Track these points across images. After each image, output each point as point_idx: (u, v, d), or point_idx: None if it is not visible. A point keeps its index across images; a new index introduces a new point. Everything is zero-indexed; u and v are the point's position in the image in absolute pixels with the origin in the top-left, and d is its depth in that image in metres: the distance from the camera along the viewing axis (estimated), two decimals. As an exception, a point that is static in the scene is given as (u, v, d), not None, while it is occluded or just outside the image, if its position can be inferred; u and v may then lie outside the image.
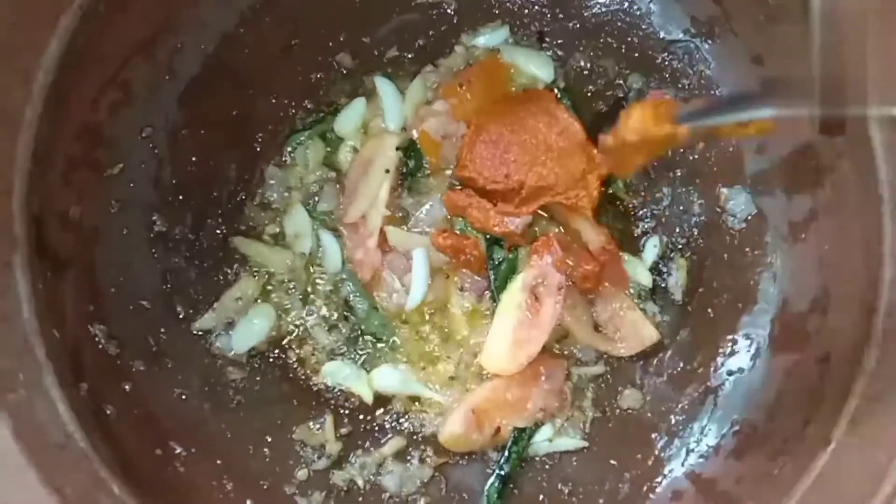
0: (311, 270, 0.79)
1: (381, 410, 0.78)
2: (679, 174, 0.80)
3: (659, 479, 0.75)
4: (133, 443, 0.65)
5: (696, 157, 0.80)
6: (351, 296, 0.79)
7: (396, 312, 0.79)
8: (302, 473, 0.74)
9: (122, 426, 0.65)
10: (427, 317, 0.79)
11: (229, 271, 0.78)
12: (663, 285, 0.79)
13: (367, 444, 0.77)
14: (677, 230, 0.80)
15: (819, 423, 0.65)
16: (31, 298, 0.59)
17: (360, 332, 0.79)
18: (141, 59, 0.70)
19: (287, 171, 0.80)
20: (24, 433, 0.52)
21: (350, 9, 0.80)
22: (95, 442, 0.59)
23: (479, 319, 0.79)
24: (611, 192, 0.80)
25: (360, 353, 0.78)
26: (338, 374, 0.77)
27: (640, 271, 0.79)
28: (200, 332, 0.75)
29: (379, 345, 0.79)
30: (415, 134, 0.80)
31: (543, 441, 0.77)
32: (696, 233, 0.80)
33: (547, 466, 0.77)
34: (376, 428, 0.77)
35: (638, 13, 0.81)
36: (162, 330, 0.73)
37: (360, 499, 0.75)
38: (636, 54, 0.81)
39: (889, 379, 0.61)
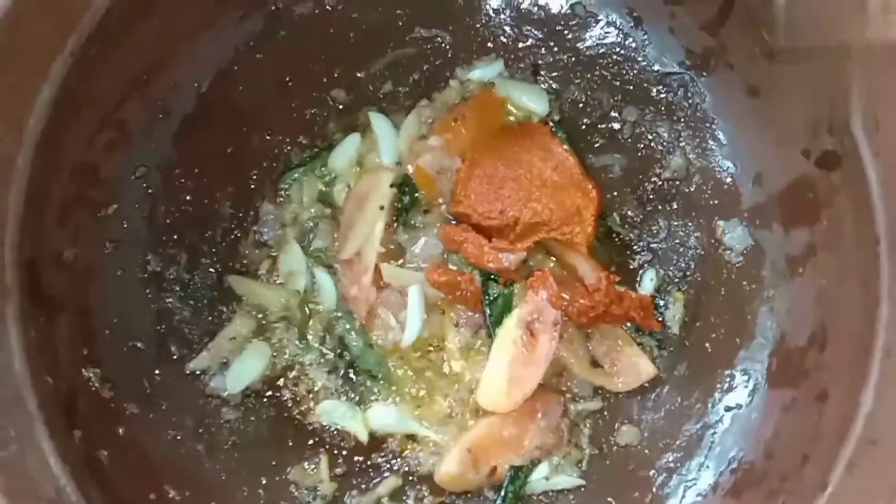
0: (307, 308, 0.79)
1: (377, 450, 0.77)
2: (675, 207, 0.80)
3: (657, 518, 0.74)
4: (127, 489, 0.65)
5: (693, 189, 0.80)
6: (346, 333, 0.79)
7: (392, 349, 0.78)
8: (294, 514, 0.74)
9: (116, 472, 0.65)
10: (423, 353, 0.78)
11: (224, 310, 0.77)
12: (660, 319, 0.79)
13: (363, 484, 0.76)
14: (674, 263, 0.80)
15: (817, 461, 0.64)
16: (22, 349, 0.58)
17: (355, 370, 0.78)
18: (135, 97, 0.70)
19: (282, 207, 0.80)
20: (13, 490, 0.52)
21: (344, 44, 0.79)
22: (88, 492, 0.58)
23: (475, 355, 0.78)
24: (607, 225, 0.80)
25: (356, 391, 0.78)
26: (333, 412, 0.77)
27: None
28: (195, 373, 0.75)
29: (374, 382, 0.78)
30: (410, 169, 0.80)
31: (540, 479, 0.76)
32: (693, 266, 0.79)
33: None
34: (371, 468, 0.77)
35: (633, 46, 0.81)
36: (156, 371, 0.73)
37: (356, 539, 0.75)
38: (631, 87, 0.81)
39: (887, 421, 0.61)
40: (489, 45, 0.82)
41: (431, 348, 0.79)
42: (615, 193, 0.81)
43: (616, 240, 0.81)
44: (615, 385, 0.78)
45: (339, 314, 0.79)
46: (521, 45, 0.82)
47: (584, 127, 0.82)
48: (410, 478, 0.76)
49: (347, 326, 0.79)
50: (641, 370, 0.77)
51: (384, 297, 0.78)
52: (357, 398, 0.78)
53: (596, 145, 0.81)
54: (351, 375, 0.78)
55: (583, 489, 0.76)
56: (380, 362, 0.78)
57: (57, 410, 0.61)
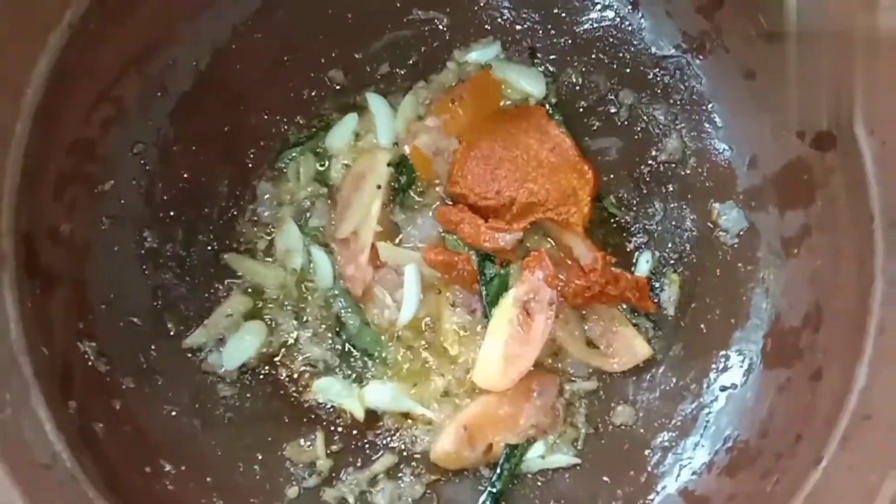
0: (303, 286, 0.79)
1: (373, 427, 0.77)
2: (671, 189, 0.81)
3: (651, 497, 0.74)
4: (122, 461, 0.65)
5: (689, 172, 0.80)
6: (342, 311, 0.79)
7: (388, 328, 0.78)
8: (292, 491, 0.74)
9: (111, 444, 0.64)
10: (419, 333, 0.79)
11: (220, 287, 0.77)
12: (656, 300, 0.79)
13: (358, 461, 0.76)
14: (670, 245, 0.80)
15: (811, 440, 0.64)
16: (19, 317, 0.58)
17: (351, 348, 0.78)
18: (133, 74, 0.70)
19: (279, 186, 0.80)
20: (9, 454, 0.52)
21: (342, 25, 0.80)
22: (83, 461, 0.58)
23: (471, 335, 0.78)
24: (604, 207, 0.80)
25: (352, 368, 0.78)
26: (329, 389, 0.77)
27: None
28: (191, 349, 0.75)
29: (370, 360, 0.78)
30: (406, 149, 0.80)
31: (536, 458, 0.76)
32: (688, 248, 0.80)
33: (539, 483, 0.77)
34: (367, 445, 0.77)
35: (629, 29, 0.81)
36: (152, 346, 0.73)
37: (351, 516, 0.75)
38: (628, 70, 0.81)
39: (880, 397, 0.61)
40: (486, 27, 0.82)
41: (427, 328, 0.78)
42: (611, 176, 0.81)
43: (612, 222, 0.81)
44: (611, 365, 0.78)
45: (336, 292, 0.79)
46: (518, 27, 0.82)
47: (581, 110, 0.82)
48: (406, 455, 0.77)
49: (344, 304, 0.79)
50: (637, 351, 0.78)
51: (381, 276, 0.78)
52: (353, 376, 0.78)
53: (593, 128, 0.82)
54: (347, 353, 0.78)
55: (578, 468, 0.77)
56: (376, 341, 0.78)
57: (52, 381, 0.60)
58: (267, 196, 0.80)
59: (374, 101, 0.81)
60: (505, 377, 0.75)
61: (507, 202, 0.77)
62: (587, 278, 0.76)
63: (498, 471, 0.76)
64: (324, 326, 0.78)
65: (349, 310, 0.79)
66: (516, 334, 0.75)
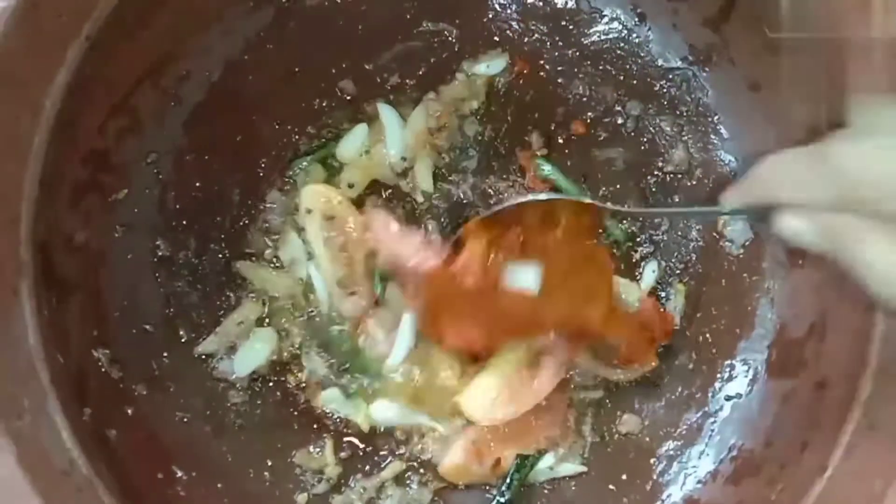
0: (310, 296, 0.80)
1: (382, 436, 0.78)
2: (677, 200, 0.81)
3: (657, 504, 0.75)
4: (135, 467, 0.66)
5: (695, 182, 0.81)
6: (336, 331, 0.79)
7: (379, 360, 0.78)
8: (302, 497, 0.74)
9: (125, 450, 0.65)
10: (408, 378, 0.78)
11: (232, 295, 0.78)
12: (661, 310, 0.80)
13: (367, 467, 0.77)
14: (675, 255, 0.81)
15: (816, 449, 0.65)
16: (36, 324, 0.59)
17: (347, 367, 0.79)
18: (148, 86, 0.71)
19: (288, 195, 0.81)
20: (28, 460, 0.53)
21: (352, 36, 0.81)
22: (98, 468, 0.59)
23: (470, 376, 0.77)
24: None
25: (355, 382, 0.78)
26: (335, 401, 0.77)
27: (632, 295, 0.79)
28: (202, 356, 0.76)
29: (369, 380, 0.78)
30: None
31: (544, 468, 0.77)
32: (694, 258, 0.80)
33: (546, 491, 0.78)
34: (376, 453, 0.78)
35: (637, 41, 0.82)
36: (164, 354, 0.74)
37: (360, 522, 0.76)
38: (635, 81, 0.82)
39: (885, 406, 0.62)
40: (495, 38, 0.83)
41: (418, 374, 0.78)
42: (618, 186, 0.82)
43: (619, 231, 0.81)
44: (617, 375, 0.79)
45: (333, 313, 0.79)
46: (526, 39, 0.83)
47: (588, 121, 0.83)
48: (415, 462, 0.77)
49: (339, 326, 0.79)
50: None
51: (378, 312, 0.78)
52: (355, 390, 0.78)
53: (600, 139, 0.82)
54: (344, 370, 0.79)
55: (585, 476, 0.77)
56: (368, 365, 0.78)
57: (68, 388, 0.61)
58: (276, 205, 0.81)
59: (385, 112, 0.81)
60: (490, 412, 0.74)
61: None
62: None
63: (508, 480, 0.76)
64: (319, 341, 0.79)
65: (343, 332, 0.79)
66: (519, 376, 0.75)
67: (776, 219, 0.51)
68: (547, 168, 0.81)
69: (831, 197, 0.46)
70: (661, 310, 0.79)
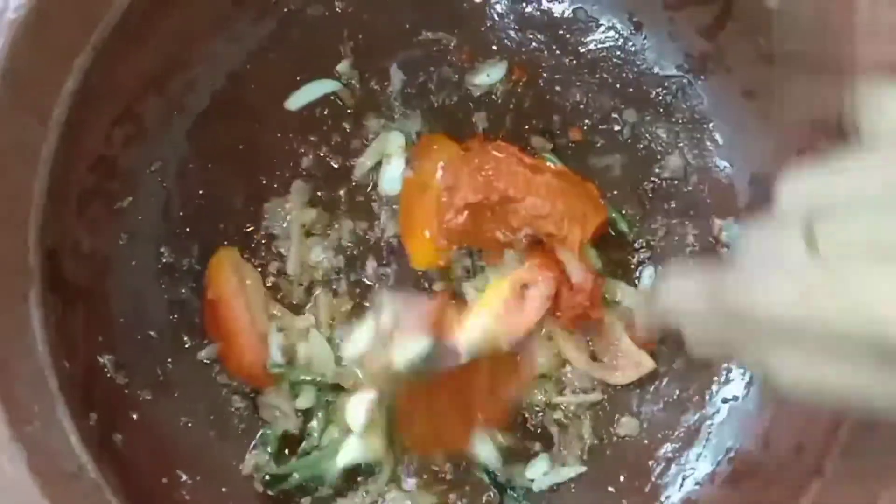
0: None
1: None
2: (674, 206, 0.82)
3: (656, 506, 0.76)
4: (141, 471, 0.66)
5: (690, 188, 0.82)
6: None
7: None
8: (305, 501, 0.75)
9: (131, 455, 0.66)
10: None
11: (235, 301, 0.79)
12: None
13: (370, 471, 0.77)
14: (672, 260, 0.82)
15: (812, 450, 0.66)
16: (44, 331, 0.60)
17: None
18: (152, 94, 0.72)
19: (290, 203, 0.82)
20: (38, 464, 0.53)
21: (354, 46, 0.82)
22: (105, 472, 0.60)
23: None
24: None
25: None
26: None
27: (628, 298, 0.80)
28: (206, 362, 0.77)
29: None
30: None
31: (543, 475, 0.78)
32: (691, 263, 0.81)
33: (545, 494, 0.78)
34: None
35: (633, 50, 0.83)
36: (169, 360, 0.74)
37: (363, 525, 0.76)
38: (631, 89, 0.83)
39: (880, 408, 0.63)
40: (493, 47, 0.84)
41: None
42: (615, 192, 0.83)
43: (614, 236, 0.82)
44: (614, 378, 0.80)
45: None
46: (524, 48, 0.84)
47: (585, 128, 0.84)
48: (417, 465, 0.78)
49: None
50: (640, 364, 0.79)
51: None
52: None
53: (597, 146, 0.84)
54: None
55: (583, 478, 0.78)
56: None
57: (75, 393, 0.62)
58: (275, 215, 0.81)
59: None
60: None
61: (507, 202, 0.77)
62: (573, 298, 0.77)
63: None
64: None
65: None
66: (508, 309, 0.75)
67: (683, 335, 0.49)
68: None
69: (733, 329, 0.43)
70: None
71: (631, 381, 0.79)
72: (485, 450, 0.77)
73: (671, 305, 0.48)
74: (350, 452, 0.74)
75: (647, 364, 0.79)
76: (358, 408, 0.73)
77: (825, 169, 0.43)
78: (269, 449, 0.75)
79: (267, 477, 0.74)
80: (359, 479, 0.77)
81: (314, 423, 0.76)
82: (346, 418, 0.74)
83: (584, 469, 0.78)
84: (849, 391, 0.39)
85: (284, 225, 0.81)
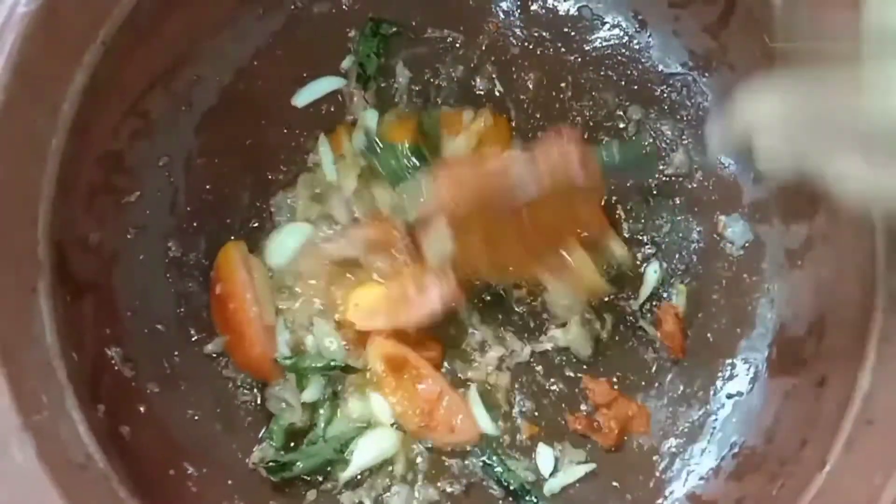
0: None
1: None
2: (678, 202, 0.83)
3: (660, 501, 0.76)
4: (148, 463, 0.67)
5: (695, 185, 0.83)
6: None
7: None
8: (311, 493, 0.75)
9: (138, 446, 0.67)
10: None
11: (241, 295, 0.79)
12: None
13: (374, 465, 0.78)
14: (677, 256, 0.82)
15: (815, 445, 0.66)
16: (53, 323, 0.61)
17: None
18: (160, 90, 0.73)
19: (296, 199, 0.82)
20: (47, 453, 0.54)
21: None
22: (113, 462, 0.60)
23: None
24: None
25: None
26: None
27: (617, 248, 0.80)
28: (213, 355, 0.77)
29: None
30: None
31: (551, 474, 0.78)
32: (695, 259, 0.82)
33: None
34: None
35: (637, 47, 0.84)
36: (176, 353, 0.75)
37: (368, 519, 0.77)
38: (636, 87, 0.84)
39: (882, 402, 0.63)
40: (500, 44, 0.85)
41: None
42: (620, 189, 0.83)
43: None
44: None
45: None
46: (530, 46, 0.85)
47: (590, 125, 0.84)
48: (421, 460, 0.78)
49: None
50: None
51: None
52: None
53: (602, 142, 0.84)
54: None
55: (588, 473, 0.78)
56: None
57: (83, 385, 0.62)
58: (283, 208, 0.82)
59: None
60: (368, 318, 0.75)
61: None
62: None
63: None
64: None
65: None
66: (402, 292, 0.75)
67: (755, 148, 0.53)
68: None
69: (802, 120, 0.48)
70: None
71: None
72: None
73: (751, 117, 0.52)
74: (364, 455, 0.75)
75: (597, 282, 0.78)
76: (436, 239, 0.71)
77: None
78: (273, 442, 0.75)
79: (271, 463, 0.74)
80: (363, 473, 0.77)
81: (320, 413, 0.76)
82: (360, 412, 0.76)
83: (593, 465, 0.78)
84: None
85: (288, 216, 0.81)
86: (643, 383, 0.80)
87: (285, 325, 0.78)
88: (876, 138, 0.43)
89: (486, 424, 0.78)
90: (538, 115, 0.84)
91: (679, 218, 0.82)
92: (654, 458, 0.78)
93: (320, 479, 0.76)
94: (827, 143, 0.46)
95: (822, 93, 0.47)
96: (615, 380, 0.80)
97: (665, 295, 0.82)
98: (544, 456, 0.78)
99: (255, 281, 0.77)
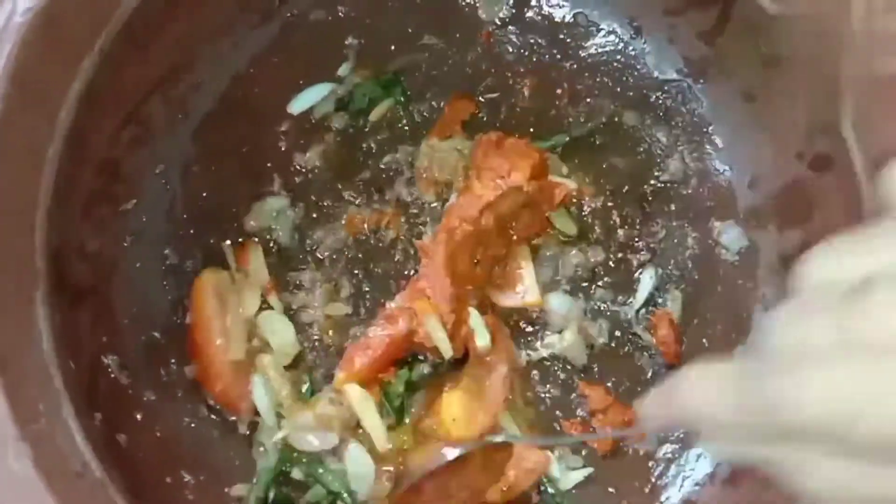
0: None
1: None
2: (673, 208, 0.83)
3: (656, 507, 0.76)
4: (145, 471, 0.67)
5: (690, 191, 0.83)
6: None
7: None
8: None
9: (134, 454, 0.66)
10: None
11: (238, 302, 0.79)
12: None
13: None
14: (672, 263, 0.82)
15: (810, 451, 0.66)
16: (50, 331, 0.60)
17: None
18: (157, 97, 0.73)
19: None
20: (44, 461, 0.54)
21: (357, 49, 0.83)
22: (110, 470, 0.60)
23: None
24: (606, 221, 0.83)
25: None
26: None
27: (564, 223, 0.81)
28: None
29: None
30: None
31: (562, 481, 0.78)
32: (690, 265, 0.82)
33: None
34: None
35: (633, 54, 0.84)
36: (172, 360, 0.75)
37: (366, 525, 0.76)
38: (631, 93, 0.84)
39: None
40: (496, 51, 0.85)
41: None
42: (615, 194, 0.83)
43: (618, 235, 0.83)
44: (498, 299, 0.80)
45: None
46: (525, 52, 0.85)
47: (586, 131, 0.85)
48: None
49: None
50: (526, 296, 0.80)
51: None
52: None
53: (598, 149, 0.84)
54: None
55: (584, 479, 0.78)
56: None
57: (80, 393, 0.62)
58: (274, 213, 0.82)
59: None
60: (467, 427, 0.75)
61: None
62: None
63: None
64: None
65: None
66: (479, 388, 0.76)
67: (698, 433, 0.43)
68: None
69: (762, 433, 0.38)
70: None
71: (514, 305, 0.79)
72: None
73: (691, 404, 0.41)
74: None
75: (534, 296, 0.79)
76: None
77: (851, 245, 0.39)
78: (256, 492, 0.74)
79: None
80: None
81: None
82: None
83: (591, 470, 0.78)
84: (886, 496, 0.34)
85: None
86: (639, 389, 0.80)
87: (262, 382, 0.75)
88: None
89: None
90: (532, 120, 0.84)
91: (674, 224, 0.83)
92: (650, 463, 0.78)
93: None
94: (782, 436, 0.36)
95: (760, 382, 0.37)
96: (610, 385, 0.80)
97: (660, 301, 0.82)
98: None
99: (227, 313, 0.75)
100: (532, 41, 0.85)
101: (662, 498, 0.77)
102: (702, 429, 0.41)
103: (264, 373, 0.75)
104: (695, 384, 0.41)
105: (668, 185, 0.83)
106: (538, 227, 0.80)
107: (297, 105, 0.82)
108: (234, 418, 0.76)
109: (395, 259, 0.81)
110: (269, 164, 0.82)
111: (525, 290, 0.79)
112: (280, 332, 0.77)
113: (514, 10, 0.85)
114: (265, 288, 0.78)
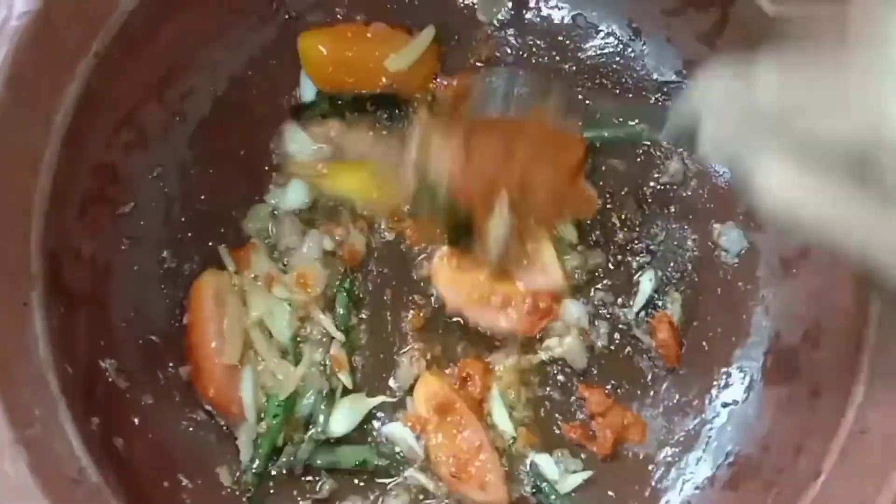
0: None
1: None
2: (673, 210, 0.83)
3: (655, 510, 0.76)
4: (142, 475, 0.67)
5: (690, 193, 0.83)
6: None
7: None
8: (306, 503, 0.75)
9: (132, 459, 0.67)
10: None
11: (235, 306, 0.79)
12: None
13: (365, 476, 0.77)
14: (672, 265, 0.82)
15: (810, 453, 0.66)
16: (46, 335, 0.60)
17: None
18: (154, 101, 0.73)
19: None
20: (40, 467, 0.54)
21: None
22: (107, 475, 0.60)
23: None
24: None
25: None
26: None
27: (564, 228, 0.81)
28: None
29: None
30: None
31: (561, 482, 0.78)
32: (690, 267, 0.82)
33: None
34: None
35: (632, 55, 0.84)
36: (170, 364, 0.75)
37: (365, 530, 0.76)
38: (630, 95, 0.84)
39: (876, 412, 0.63)
40: (496, 54, 0.85)
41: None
42: (615, 196, 0.83)
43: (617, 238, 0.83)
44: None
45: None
46: (524, 54, 0.85)
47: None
48: (420, 496, 0.77)
49: None
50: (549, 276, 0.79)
51: None
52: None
53: (597, 150, 0.84)
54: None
55: (585, 482, 0.77)
56: None
57: (76, 397, 0.62)
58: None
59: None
60: None
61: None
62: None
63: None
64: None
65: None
66: None
67: (700, 132, 0.52)
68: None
69: (738, 119, 0.48)
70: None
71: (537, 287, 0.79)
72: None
73: (699, 99, 0.52)
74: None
75: (556, 278, 0.78)
76: None
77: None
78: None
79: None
80: (356, 482, 0.77)
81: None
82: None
83: (590, 472, 0.77)
84: (824, 215, 0.44)
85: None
86: (638, 392, 0.80)
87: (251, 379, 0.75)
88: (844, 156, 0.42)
89: (506, 425, 0.78)
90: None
91: (674, 226, 0.83)
92: (650, 467, 0.78)
93: (317, 488, 0.76)
94: (764, 139, 0.45)
95: (782, 83, 0.45)
96: (610, 388, 0.80)
97: (660, 303, 0.82)
98: (546, 464, 0.78)
99: (224, 317, 0.75)
100: (531, 43, 0.85)
101: (662, 501, 0.76)
102: (707, 120, 0.50)
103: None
104: (703, 82, 0.52)
105: (668, 186, 0.83)
106: (555, 206, 0.78)
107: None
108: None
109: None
110: (266, 167, 0.81)
111: (546, 270, 0.79)
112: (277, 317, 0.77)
113: (512, 12, 0.85)
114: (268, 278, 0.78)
